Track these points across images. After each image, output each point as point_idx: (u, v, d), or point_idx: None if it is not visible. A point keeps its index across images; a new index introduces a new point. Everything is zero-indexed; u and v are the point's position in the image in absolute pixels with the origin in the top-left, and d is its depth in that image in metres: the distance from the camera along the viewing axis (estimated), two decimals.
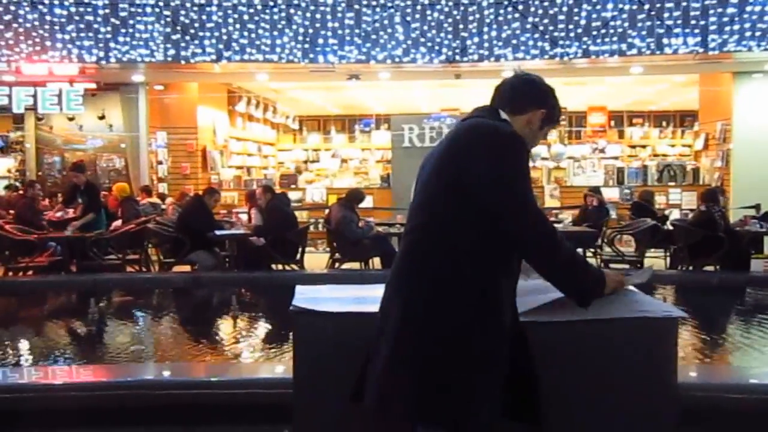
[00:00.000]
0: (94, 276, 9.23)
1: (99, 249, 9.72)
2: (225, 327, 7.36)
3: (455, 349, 2.31)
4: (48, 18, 11.63)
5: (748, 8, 10.96)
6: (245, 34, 11.60)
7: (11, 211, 10.89)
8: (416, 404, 2.33)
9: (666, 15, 11.13)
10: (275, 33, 11.61)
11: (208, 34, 11.59)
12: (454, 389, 2.30)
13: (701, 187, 12.64)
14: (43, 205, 11.64)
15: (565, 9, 11.32)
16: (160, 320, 7.81)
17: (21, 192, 11.80)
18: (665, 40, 11.14)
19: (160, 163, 14.37)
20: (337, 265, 10.07)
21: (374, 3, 11.52)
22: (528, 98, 2.59)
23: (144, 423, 3.67)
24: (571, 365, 2.71)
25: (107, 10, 11.58)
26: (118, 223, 10.44)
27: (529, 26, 11.40)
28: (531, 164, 2.54)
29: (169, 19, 11.60)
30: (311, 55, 11.63)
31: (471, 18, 11.50)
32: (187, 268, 9.65)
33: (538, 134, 2.64)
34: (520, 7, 11.40)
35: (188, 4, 11.57)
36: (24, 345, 6.48)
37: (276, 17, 11.60)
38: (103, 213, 10.17)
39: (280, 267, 9.75)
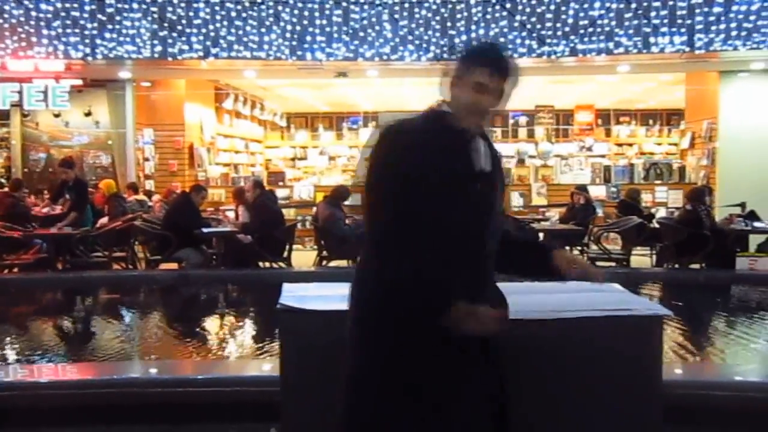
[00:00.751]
0: (81, 273, 9.18)
1: (85, 246, 9.67)
2: (212, 325, 7.34)
3: (381, 367, 2.25)
4: (34, 14, 11.55)
5: (734, 8, 11.02)
6: (233, 30, 11.56)
7: None
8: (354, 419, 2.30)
9: (653, 14, 11.19)
10: (263, 30, 11.58)
11: (195, 30, 11.55)
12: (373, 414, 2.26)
13: (687, 186, 12.71)
14: (29, 201, 11.56)
15: (552, 7, 11.35)
16: (147, 318, 7.78)
17: (6, 190, 11.71)
18: (652, 39, 11.20)
19: (147, 160, 14.31)
20: (324, 262, 10.06)
21: (362, 0, 11.52)
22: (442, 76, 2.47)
23: (131, 421, 3.66)
24: (556, 363, 2.71)
25: (94, 6, 11.51)
26: (104, 220, 10.39)
27: (516, 24, 11.43)
28: (491, 155, 2.38)
29: (156, 16, 11.54)
30: (299, 53, 11.61)
31: (459, 16, 11.51)
32: (174, 265, 9.62)
33: (477, 91, 2.33)
34: (508, 6, 11.43)
35: (175, 1, 11.52)
36: (10, 343, 6.43)
37: (264, 14, 11.57)
38: (89, 210, 10.10)
39: (267, 265, 9.74)
